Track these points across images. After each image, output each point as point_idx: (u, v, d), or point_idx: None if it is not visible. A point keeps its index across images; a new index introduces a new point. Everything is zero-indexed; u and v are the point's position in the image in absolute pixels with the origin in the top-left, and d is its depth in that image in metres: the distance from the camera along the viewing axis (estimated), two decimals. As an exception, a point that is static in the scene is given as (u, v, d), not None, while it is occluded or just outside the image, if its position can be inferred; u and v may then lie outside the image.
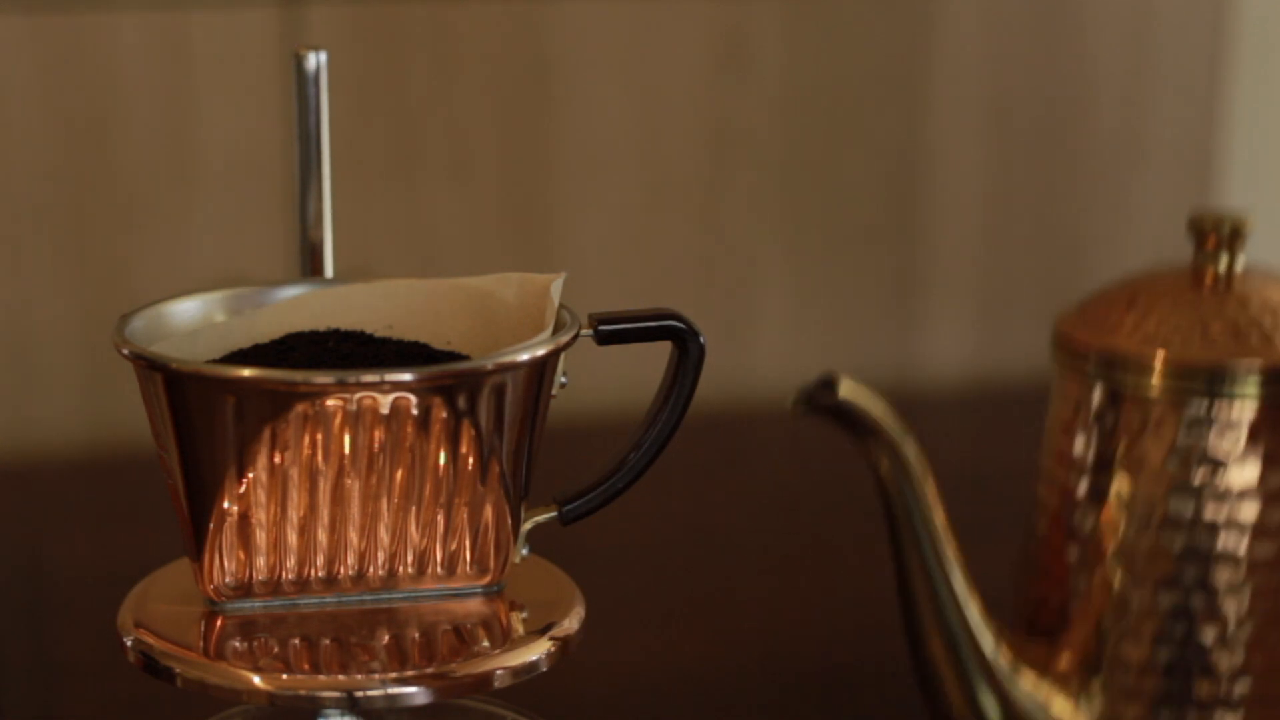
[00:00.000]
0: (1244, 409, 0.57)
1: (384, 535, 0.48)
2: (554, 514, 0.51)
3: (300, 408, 0.46)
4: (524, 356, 0.48)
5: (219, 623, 0.49)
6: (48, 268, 0.93)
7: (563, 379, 0.50)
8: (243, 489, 0.47)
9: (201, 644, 0.48)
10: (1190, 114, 1.09)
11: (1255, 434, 0.57)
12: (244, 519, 0.48)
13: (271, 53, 0.93)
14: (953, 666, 0.59)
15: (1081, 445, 0.60)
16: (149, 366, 0.47)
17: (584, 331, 0.50)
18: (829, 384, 0.56)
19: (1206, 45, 1.08)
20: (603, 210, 1.00)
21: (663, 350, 0.52)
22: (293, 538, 0.48)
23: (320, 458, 0.47)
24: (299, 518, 0.48)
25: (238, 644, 0.48)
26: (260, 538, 0.48)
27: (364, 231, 0.95)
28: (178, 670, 0.48)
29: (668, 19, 0.99)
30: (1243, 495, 0.58)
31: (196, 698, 0.49)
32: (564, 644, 0.49)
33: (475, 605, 0.50)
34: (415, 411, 0.47)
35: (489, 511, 0.49)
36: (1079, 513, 0.60)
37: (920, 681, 0.60)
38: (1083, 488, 0.60)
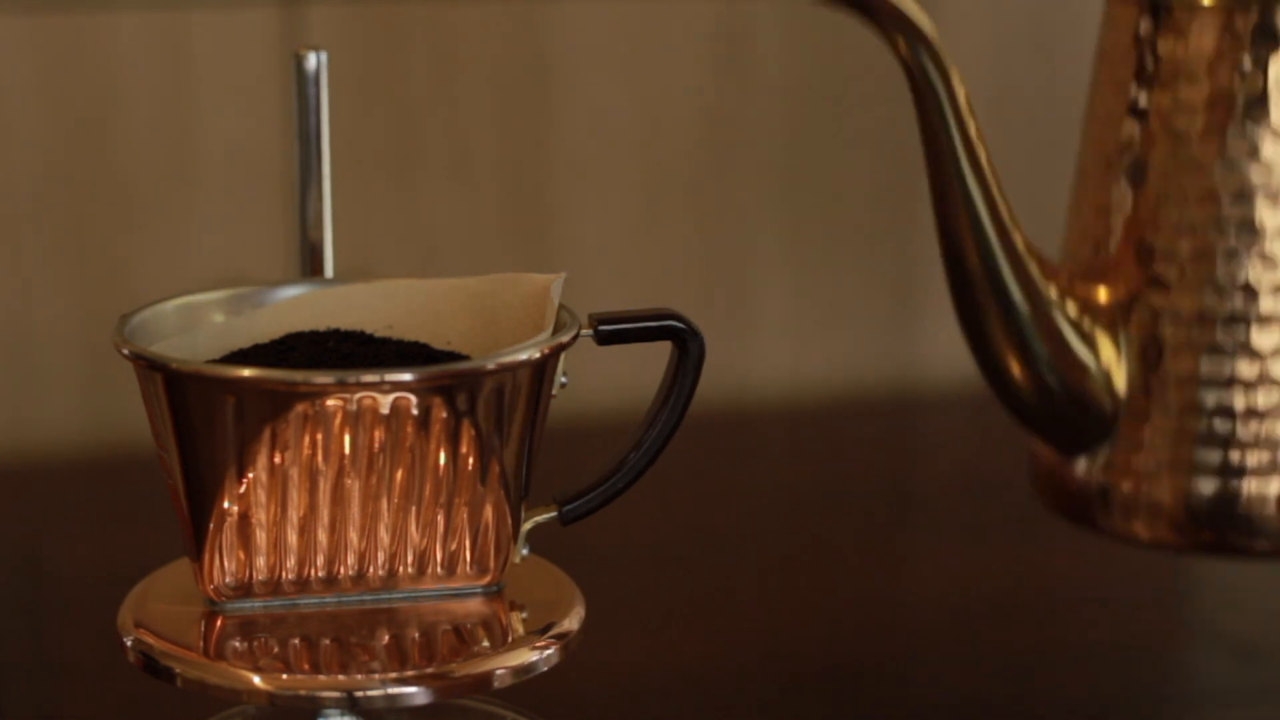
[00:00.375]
0: None
1: (384, 535, 0.48)
2: (554, 514, 0.51)
3: (300, 408, 0.46)
4: (524, 356, 0.48)
5: (219, 623, 0.49)
6: (48, 268, 0.93)
7: (563, 379, 0.50)
8: (243, 489, 0.47)
9: (201, 644, 0.48)
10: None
11: None
12: (244, 519, 0.48)
13: (271, 53, 0.93)
14: (987, 280, 0.57)
15: (1131, 67, 0.58)
16: (149, 366, 0.47)
17: (584, 331, 0.50)
18: None
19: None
20: (603, 210, 0.99)
21: (663, 350, 0.52)
22: (293, 538, 0.48)
23: (320, 458, 0.47)
24: (299, 518, 0.48)
25: (238, 644, 0.48)
26: (260, 538, 0.48)
27: (364, 231, 0.95)
28: (178, 670, 0.48)
29: (668, 19, 0.99)
30: (1277, 131, 0.57)
31: (196, 698, 0.49)
32: (564, 644, 0.49)
33: (475, 605, 0.50)
34: (415, 411, 0.47)
35: (489, 511, 0.49)
36: (1126, 142, 0.59)
37: (959, 307, 0.58)
38: (1132, 113, 0.58)
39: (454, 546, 0.49)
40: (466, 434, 0.48)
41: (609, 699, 0.68)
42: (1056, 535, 0.85)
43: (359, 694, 0.47)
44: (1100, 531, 0.61)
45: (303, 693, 0.47)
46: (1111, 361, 0.58)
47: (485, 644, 0.48)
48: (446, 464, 0.48)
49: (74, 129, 0.92)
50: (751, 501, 0.89)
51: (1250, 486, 0.58)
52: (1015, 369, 0.58)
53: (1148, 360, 0.58)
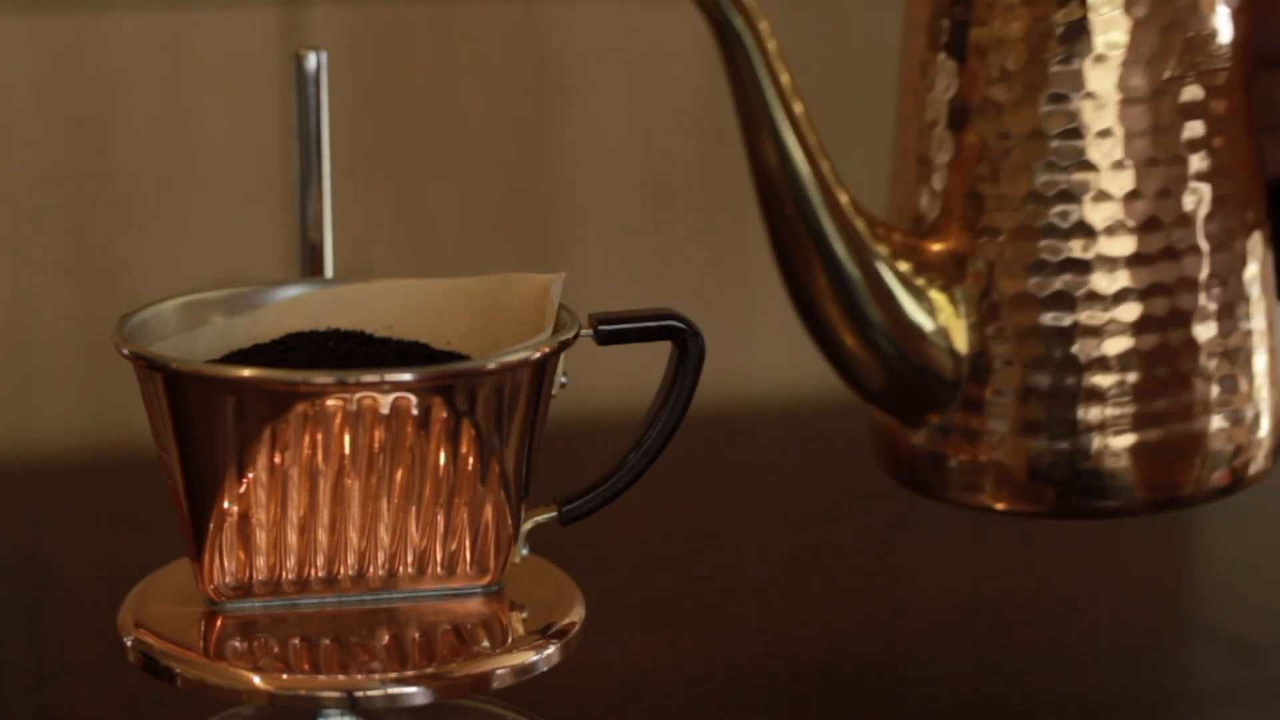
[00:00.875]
0: None
1: (384, 535, 0.48)
2: (554, 514, 0.51)
3: (300, 408, 0.46)
4: (524, 356, 0.48)
5: (219, 623, 0.49)
6: (48, 268, 0.93)
7: (563, 379, 0.50)
8: (243, 489, 0.47)
9: (201, 644, 0.48)
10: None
11: None
12: (244, 519, 0.48)
13: (271, 53, 0.93)
14: (814, 247, 0.54)
15: (943, 5, 0.56)
16: (149, 366, 0.47)
17: (584, 331, 0.50)
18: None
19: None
20: (603, 210, 1.00)
21: (663, 350, 0.52)
22: (293, 538, 0.48)
23: (320, 458, 0.47)
24: (299, 518, 0.48)
25: (238, 644, 0.48)
26: (260, 538, 0.48)
27: (364, 231, 0.95)
28: (178, 670, 0.48)
29: (668, 19, 0.99)
30: (1101, 59, 0.55)
31: (196, 698, 0.49)
32: (564, 644, 0.49)
33: (475, 605, 0.50)
34: (415, 411, 0.47)
35: (489, 511, 0.49)
36: (944, 85, 0.57)
37: (789, 281, 0.55)
38: (947, 52, 0.56)
39: (454, 546, 0.49)
40: (466, 434, 0.48)
41: (609, 699, 0.68)
42: (1056, 535, 0.85)
43: (359, 694, 0.47)
44: (948, 501, 0.58)
45: (303, 693, 0.47)
46: (950, 321, 0.55)
47: (485, 644, 0.48)
48: (446, 464, 0.48)
49: (74, 129, 0.92)
50: (751, 501, 0.89)
51: (1104, 442, 0.56)
52: (849, 337, 0.55)
53: (986, 317, 0.55)
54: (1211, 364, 0.56)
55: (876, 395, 0.57)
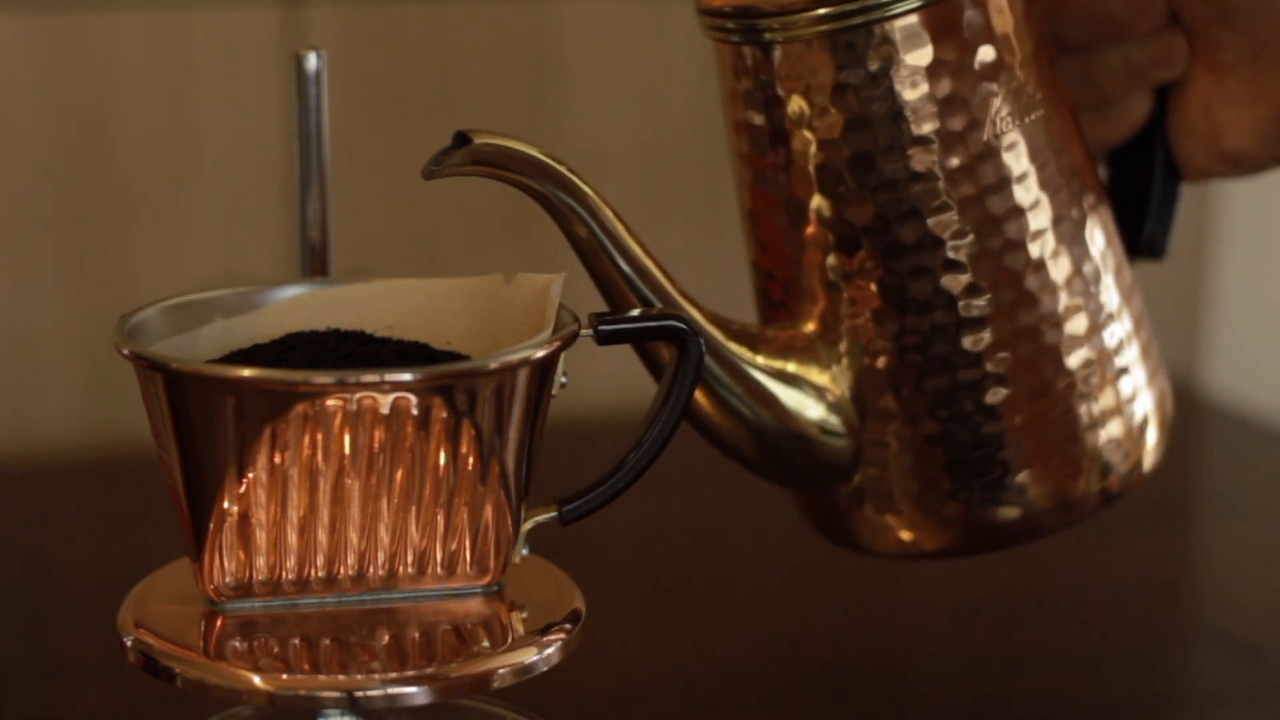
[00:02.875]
0: (898, 26, 0.54)
1: (384, 535, 0.48)
2: (554, 514, 0.51)
3: (300, 408, 0.46)
4: (524, 356, 0.48)
5: (219, 623, 0.49)
6: (48, 268, 0.93)
7: (563, 379, 0.50)
8: (243, 489, 0.47)
9: (201, 644, 0.48)
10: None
11: (928, 42, 0.55)
12: (244, 519, 0.48)
13: (271, 53, 0.93)
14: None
15: (752, 107, 0.57)
16: (149, 366, 0.47)
17: (584, 331, 0.50)
18: (462, 138, 0.52)
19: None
20: (603, 210, 0.99)
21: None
22: (293, 538, 0.48)
23: (320, 458, 0.47)
24: (299, 518, 0.48)
25: (238, 644, 0.48)
26: (260, 538, 0.48)
27: (364, 231, 0.95)
28: (178, 670, 0.48)
29: (668, 19, 0.99)
30: (918, 111, 0.55)
31: (196, 698, 0.49)
32: (564, 644, 0.49)
33: (475, 605, 0.50)
34: (415, 411, 0.47)
35: (489, 511, 0.49)
36: (771, 174, 0.57)
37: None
38: (766, 148, 0.57)
39: (454, 546, 0.49)
40: (466, 434, 0.48)
41: (609, 699, 0.68)
42: (1056, 535, 0.85)
43: (359, 694, 0.47)
44: (868, 552, 0.60)
45: (303, 693, 0.47)
46: (836, 401, 0.57)
47: (485, 644, 0.48)
48: (446, 464, 0.48)
49: (74, 129, 0.92)
50: (751, 501, 0.89)
51: (1001, 481, 0.57)
52: (747, 447, 0.57)
53: (867, 388, 0.57)
54: (1089, 378, 0.58)
55: (791, 484, 0.59)
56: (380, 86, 0.95)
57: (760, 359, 0.56)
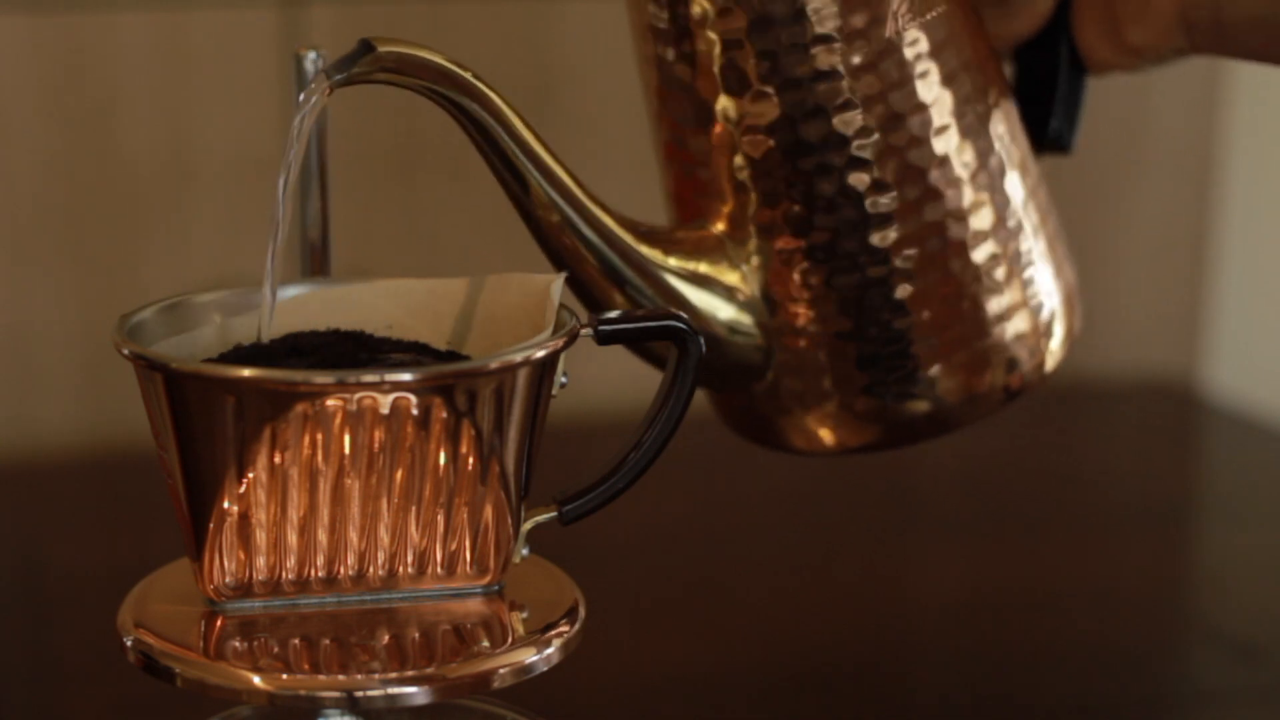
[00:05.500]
0: None
1: (384, 535, 0.48)
2: (554, 514, 0.51)
3: (300, 408, 0.46)
4: (524, 356, 0.48)
5: (219, 623, 0.49)
6: (48, 268, 0.93)
7: (563, 379, 0.50)
8: (243, 489, 0.47)
9: (201, 644, 0.48)
10: (1190, 115, 1.09)
11: None
12: (244, 519, 0.48)
13: (271, 53, 0.93)
14: (603, 275, 0.55)
15: (657, 8, 0.57)
16: (149, 366, 0.47)
17: (584, 331, 0.50)
18: (366, 45, 0.52)
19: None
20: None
21: (662, 350, 0.52)
22: (293, 538, 0.48)
23: (320, 458, 0.47)
24: (299, 518, 0.48)
25: (238, 644, 0.48)
26: (260, 538, 0.48)
27: (364, 231, 0.95)
28: (178, 670, 0.48)
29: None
30: (820, 10, 0.55)
31: (196, 698, 0.49)
32: (564, 644, 0.49)
33: (475, 605, 0.50)
34: (415, 411, 0.47)
35: (489, 511, 0.49)
36: (677, 76, 0.57)
37: (590, 310, 0.56)
38: (671, 50, 0.57)
39: (454, 546, 0.49)
40: (466, 434, 0.48)
41: (609, 699, 0.68)
42: (1056, 535, 0.85)
43: (359, 694, 0.47)
44: (785, 449, 0.60)
45: (303, 693, 0.47)
46: (746, 300, 0.57)
47: (485, 644, 0.48)
48: (446, 464, 0.48)
49: (74, 129, 0.92)
50: (751, 501, 0.89)
51: (913, 376, 0.58)
52: (660, 348, 0.56)
53: (777, 287, 0.57)
54: (995, 272, 0.58)
55: (702, 384, 0.59)
56: (380, 87, 0.95)
57: (672, 261, 0.57)
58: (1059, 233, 0.61)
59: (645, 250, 0.56)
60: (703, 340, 0.51)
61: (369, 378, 0.46)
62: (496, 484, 0.49)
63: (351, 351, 0.51)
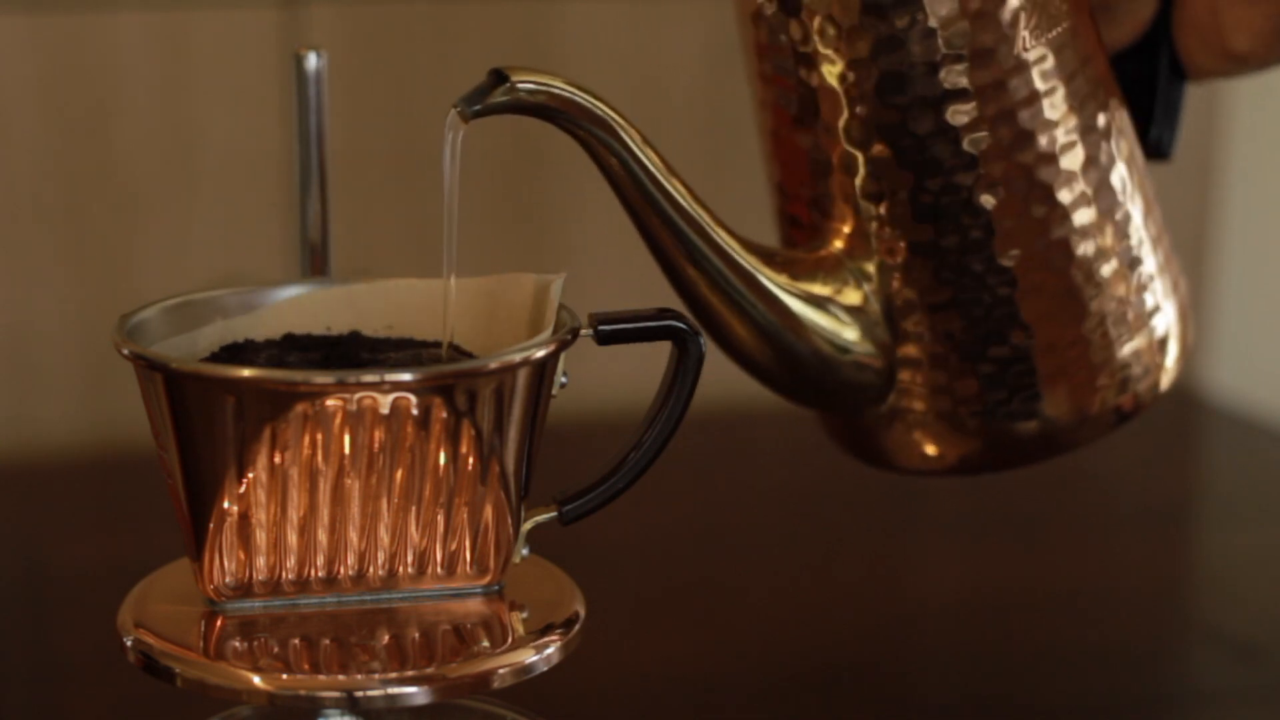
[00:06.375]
0: None
1: (384, 535, 0.48)
2: (554, 514, 0.51)
3: (300, 408, 0.46)
4: (524, 356, 0.48)
5: (219, 623, 0.49)
6: (48, 268, 0.93)
7: (563, 379, 0.50)
8: (243, 489, 0.47)
9: (201, 644, 0.48)
10: (1190, 115, 1.09)
11: None
12: (244, 519, 0.48)
13: (271, 53, 0.93)
14: (726, 302, 0.55)
15: (776, 29, 0.57)
16: (149, 366, 0.47)
17: (584, 331, 0.50)
18: (499, 75, 0.51)
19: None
20: (603, 210, 0.99)
21: (663, 350, 0.52)
22: (293, 538, 0.48)
23: (320, 458, 0.47)
24: (299, 518, 0.48)
25: (238, 644, 0.48)
26: (260, 538, 0.48)
27: (364, 231, 0.95)
28: (178, 670, 0.48)
29: (668, 19, 0.99)
30: (948, 26, 0.55)
31: (196, 698, 0.49)
32: (564, 644, 0.49)
33: (475, 605, 0.50)
34: (415, 411, 0.47)
35: (489, 511, 0.49)
36: (797, 95, 0.57)
37: (713, 335, 0.56)
38: (791, 70, 0.57)
39: (454, 546, 0.49)
40: (466, 434, 0.48)
41: (609, 699, 0.68)
42: (1057, 535, 0.85)
43: (359, 694, 0.47)
44: (898, 470, 0.60)
45: (303, 693, 0.47)
46: (868, 322, 0.57)
47: (485, 644, 0.48)
48: (446, 464, 0.48)
49: (74, 129, 0.92)
50: (751, 501, 0.89)
51: (1028, 396, 0.57)
52: (781, 372, 0.57)
53: (900, 307, 0.57)
54: (1117, 291, 0.58)
55: (819, 405, 0.59)
56: (380, 86, 0.95)
57: (797, 284, 0.56)
58: (1173, 247, 0.61)
59: (767, 272, 0.56)
60: (702, 340, 0.51)
61: (369, 378, 0.46)
62: (496, 484, 0.49)
63: (351, 351, 0.51)
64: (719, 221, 0.55)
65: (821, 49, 0.56)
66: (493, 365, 0.47)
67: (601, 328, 0.50)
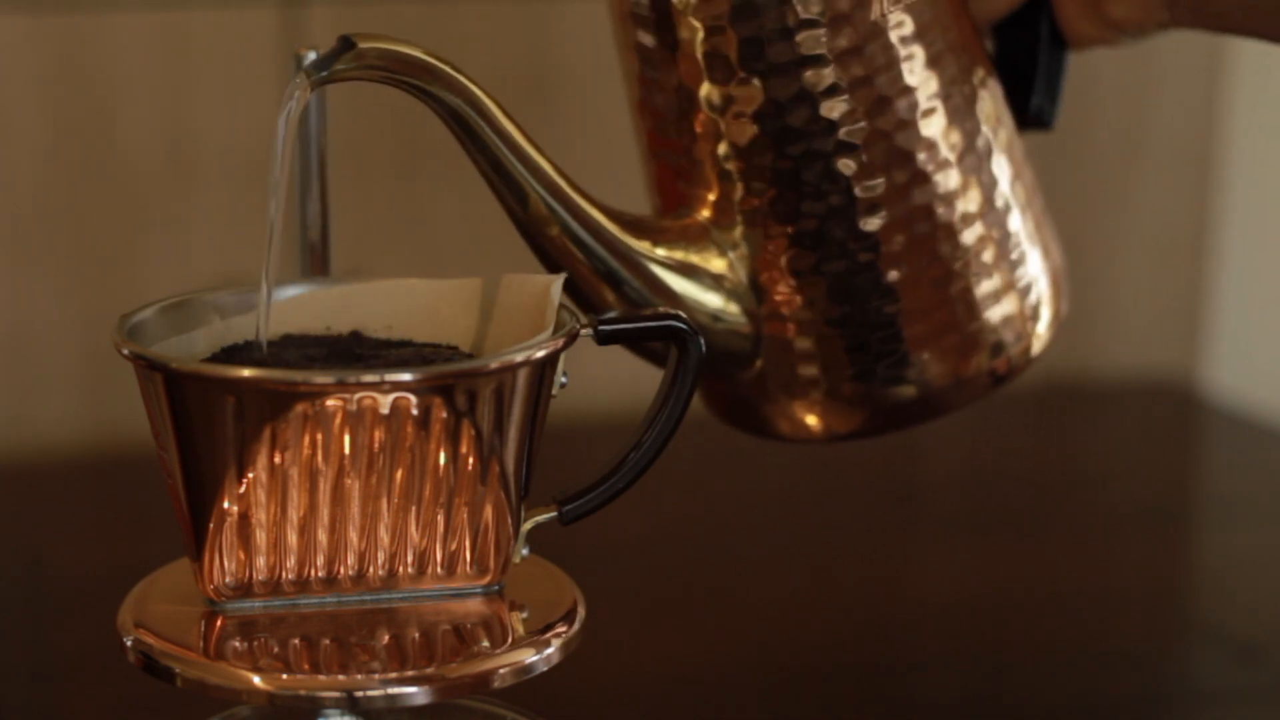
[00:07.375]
0: None
1: (384, 535, 0.48)
2: (554, 514, 0.51)
3: (300, 408, 0.46)
4: (524, 356, 0.48)
5: (219, 623, 0.49)
6: (48, 268, 0.93)
7: (563, 379, 0.50)
8: (243, 489, 0.47)
9: (201, 644, 0.48)
10: (1190, 114, 1.09)
11: None
12: (244, 519, 0.48)
13: (271, 52, 0.93)
14: (590, 268, 0.55)
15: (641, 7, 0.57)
16: (149, 366, 0.47)
17: (584, 331, 0.50)
18: (347, 42, 0.51)
19: (1207, 44, 1.08)
20: (603, 210, 0.99)
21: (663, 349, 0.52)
22: (293, 538, 0.48)
23: (320, 458, 0.47)
24: (299, 518, 0.48)
25: (238, 644, 0.48)
26: (260, 538, 0.48)
27: (364, 231, 0.95)
28: (178, 670, 0.48)
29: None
30: None
31: (196, 698, 0.49)
32: (564, 644, 0.49)
33: (475, 605, 0.50)
34: (415, 411, 0.47)
35: (489, 511, 0.49)
36: (660, 63, 0.57)
37: (580, 303, 0.56)
38: (653, 37, 0.57)
39: (454, 546, 0.49)
40: (466, 434, 0.48)
41: (609, 699, 0.68)
42: (1056, 535, 0.85)
43: (359, 694, 0.47)
44: (772, 436, 0.60)
45: (303, 693, 0.47)
46: (733, 288, 0.57)
47: (485, 644, 0.48)
48: (446, 464, 0.48)
49: (74, 129, 0.92)
50: (751, 501, 0.89)
51: (900, 361, 0.57)
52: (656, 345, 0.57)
53: (765, 275, 0.57)
54: (983, 255, 0.58)
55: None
56: (380, 87, 0.95)
57: (658, 250, 0.56)
58: (1045, 214, 0.61)
59: (630, 240, 0.56)
60: (703, 340, 0.51)
61: (369, 378, 0.46)
62: (496, 484, 0.49)
63: (351, 352, 0.51)
64: (577, 187, 0.55)
65: (679, 15, 0.56)
66: (493, 365, 0.47)
67: (601, 328, 0.50)
